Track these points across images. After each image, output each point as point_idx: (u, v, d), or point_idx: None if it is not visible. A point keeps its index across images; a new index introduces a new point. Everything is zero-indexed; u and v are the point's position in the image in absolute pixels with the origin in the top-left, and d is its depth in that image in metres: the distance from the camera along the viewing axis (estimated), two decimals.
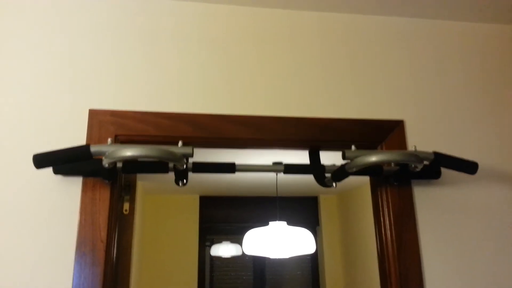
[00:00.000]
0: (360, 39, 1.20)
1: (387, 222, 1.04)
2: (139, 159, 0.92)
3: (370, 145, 1.08)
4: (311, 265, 4.13)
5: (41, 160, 0.82)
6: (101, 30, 1.09)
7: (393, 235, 1.02)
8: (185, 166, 0.89)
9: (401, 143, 1.09)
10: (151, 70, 1.07)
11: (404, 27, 1.23)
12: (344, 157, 0.93)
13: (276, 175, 2.67)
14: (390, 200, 1.04)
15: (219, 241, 3.94)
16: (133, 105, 1.03)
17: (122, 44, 1.09)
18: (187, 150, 0.87)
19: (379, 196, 1.07)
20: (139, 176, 3.25)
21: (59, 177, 0.95)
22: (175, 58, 1.10)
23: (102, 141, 0.97)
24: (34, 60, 1.04)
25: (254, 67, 1.12)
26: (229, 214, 4.04)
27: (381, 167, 1.01)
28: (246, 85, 1.11)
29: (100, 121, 0.99)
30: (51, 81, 1.03)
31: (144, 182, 3.32)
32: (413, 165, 0.93)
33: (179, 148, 0.87)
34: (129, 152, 0.79)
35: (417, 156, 0.91)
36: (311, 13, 1.20)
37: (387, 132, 1.09)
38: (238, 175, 3.01)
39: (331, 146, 1.08)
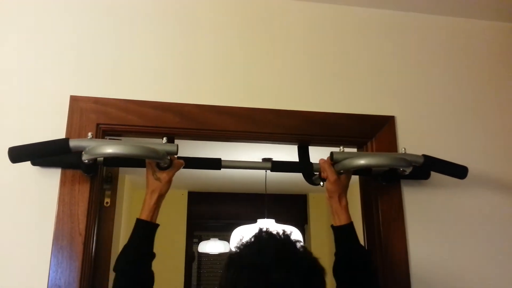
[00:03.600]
0: (353, 32, 1.18)
1: (376, 221, 1.02)
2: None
3: (360, 141, 1.06)
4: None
5: (16, 154, 0.78)
6: (85, 13, 1.04)
7: (381, 234, 1.00)
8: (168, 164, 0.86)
9: (391, 139, 1.07)
10: (136, 56, 1.04)
11: (398, 21, 1.21)
12: (332, 159, 0.90)
13: (265, 172, 2.65)
14: (379, 200, 1.02)
15: (207, 238, 3.90)
16: (117, 93, 0.99)
17: (107, 28, 1.04)
18: (172, 147, 0.83)
19: (368, 196, 1.06)
20: (127, 170, 3.19)
21: (37, 167, 0.91)
22: (163, 45, 1.06)
23: (83, 130, 0.92)
24: (14, 43, 0.99)
25: (245, 58, 1.09)
26: (217, 210, 4.00)
27: (370, 167, 0.99)
28: (237, 75, 1.08)
29: (82, 109, 0.94)
30: (32, 65, 0.98)
31: (132, 177, 3.26)
32: (401, 169, 0.91)
33: (163, 145, 0.83)
34: (109, 149, 0.76)
35: (406, 160, 0.89)
36: (302, 4, 1.17)
37: (377, 128, 1.07)
38: (227, 171, 2.98)
39: (320, 141, 1.06)
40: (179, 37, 1.08)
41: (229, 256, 0.64)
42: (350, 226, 0.88)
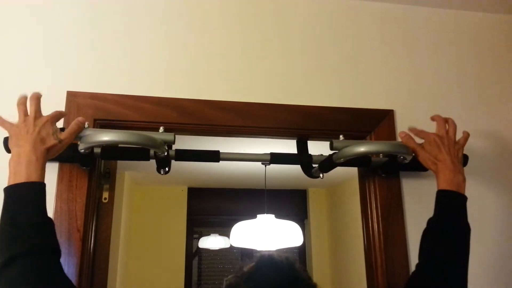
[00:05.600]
0: (352, 25, 1.17)
1: (374, 214, 1.02)
2: (118, 145, 0.88)
3: (359, 135, 1.06)
4: (298, 258, 4.14)
5: None
6: (82, 8, 1.03)
7: (380, 227, 1.00)
8: (166, 153, 0.85)
9: (391, 133, 1.06)
10: (133, 51, 1.03)
11: (397, 14, 1.20)
12: (332, 147, 0.90)
13: (265, 167, 2.64)
14: (378, 192, 1.02)
15: (207, 233, 3.91)
16: (114, 88, 0.98)
17: (103, 22, 1.03)
18: (169, 136, 0.83)
19: (367, 188, 1.05)
20: (126, 166, 3.19)
21: None
22: (160, 39, 1.05)
23: None
24: (10, 38, 0.98)
25: (244, 53, 1.09)
26: (217, 206, 4.00)
27: (369, 158, 0.99)
28: (235, 70, 1.07)
29: (78, 104, 0.94)
30: (27, 60, 0.97)
31: (132, 172, 3.26)
32: (402, 157, 0.91)
33: (160, 134, 0.83)
34: (105, 137, 0.75)
35: (406, 148, 0.89)
36: None
37: (376, 122, 1.07)
38: (226, 167, 2.97)
39: (319, 135, 1.05)
40: (176, 32, 1.07)
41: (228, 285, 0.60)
42: (447, 193, 0.79)
